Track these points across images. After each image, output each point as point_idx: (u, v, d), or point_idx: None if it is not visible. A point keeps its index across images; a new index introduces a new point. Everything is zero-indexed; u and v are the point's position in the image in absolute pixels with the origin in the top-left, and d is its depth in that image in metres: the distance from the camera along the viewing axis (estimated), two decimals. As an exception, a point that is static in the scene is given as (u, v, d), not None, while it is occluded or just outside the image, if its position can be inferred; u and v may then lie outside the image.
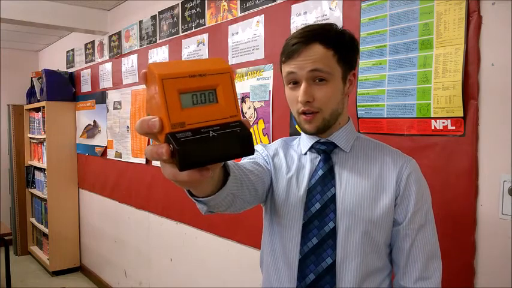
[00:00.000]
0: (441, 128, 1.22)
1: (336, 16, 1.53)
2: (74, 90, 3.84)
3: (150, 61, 2.69)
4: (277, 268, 0.97)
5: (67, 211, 3.84)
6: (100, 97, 3.38)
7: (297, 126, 1.67)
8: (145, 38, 2.76)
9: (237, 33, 1.99)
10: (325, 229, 0.91)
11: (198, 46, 2.26)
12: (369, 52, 1.40)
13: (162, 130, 0.44)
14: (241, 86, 1.96)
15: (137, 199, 2.92)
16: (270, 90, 1.81)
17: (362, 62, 1.43)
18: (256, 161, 0.97)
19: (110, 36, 3.24)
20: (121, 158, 3.10)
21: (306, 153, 0.99)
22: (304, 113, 0.91)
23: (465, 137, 1.17)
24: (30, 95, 4.22)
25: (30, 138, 4.32)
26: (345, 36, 0.92)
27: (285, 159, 1.01)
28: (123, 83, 3.03)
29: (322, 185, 0.93)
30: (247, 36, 1.93)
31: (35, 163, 4.14)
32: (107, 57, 3.29)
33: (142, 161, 2.82)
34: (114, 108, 3.18)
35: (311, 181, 0.95)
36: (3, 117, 4.63)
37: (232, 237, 2.06)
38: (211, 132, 0.44)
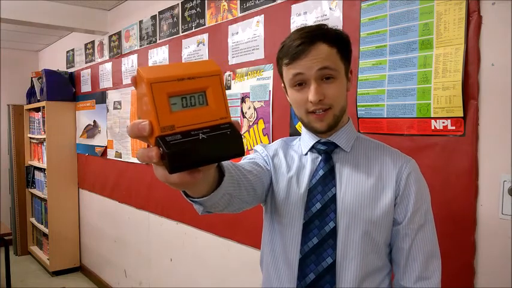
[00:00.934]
0: (441, 128, 1.22)
1: (336, 16, 1.53)
2: (74, 90, 3.85)
3: (150, 61, 2.69)
4: (278, 267, 0.97)
5: (67, 211, 3.84)
6: (100, 97, 3.38)
7: (298, 126, 1.67)
8: (146, 38, 2.76)
9: (237, 33, 1.99)
10: (325, 229, 0.91)
11: (198, 46, 2.26)
12: (369, 52, 1.40)
13: (152, 133, 0.45)
14: (241, 86, 1.96)
15: (137, 199, 2.92)
16: (270, 90, 1.81)
17: (362, 62, 1.43)
18: (255, 161, 0.97)
19: (110, 36, 3.24)
20: (121, 158, 3.10)
21: (306, 154, 0.99)
22: (314, 111, 0.90)
23: (465, 137, 1.17)
24: (30, 95, 4.22)
25: (30, 138, 4.32)
26: (342, 34, 0.94)
27: (285, 159, 1.01)
28: (123, 83, 3.03)
29: (323, 185, 0.93)
30: (247, 36, 1.93)
31: (35, 163, 4.14)
32: (107, 57, 3.30)
33: (142, 161, 2.81)
34: (114, 108, 3.18)
35: (312, 181, 0.95)
36: (3, 117, 4.63)
37: (232, 237, 2.06)
38: (201, 134, 0.45)
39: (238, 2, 1.99)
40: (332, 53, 0.89)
